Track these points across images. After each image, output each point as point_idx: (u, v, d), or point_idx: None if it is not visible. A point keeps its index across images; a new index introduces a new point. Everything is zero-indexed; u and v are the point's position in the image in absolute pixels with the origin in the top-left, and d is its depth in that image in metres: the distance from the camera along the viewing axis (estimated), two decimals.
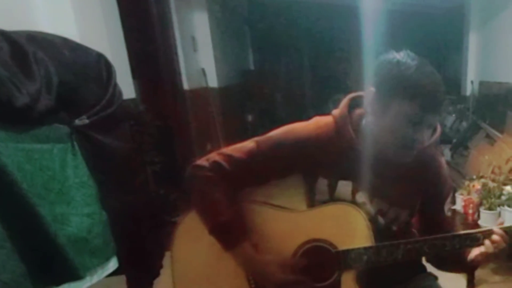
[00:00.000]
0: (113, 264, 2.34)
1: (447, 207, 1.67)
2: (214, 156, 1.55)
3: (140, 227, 2.71)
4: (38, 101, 1.80)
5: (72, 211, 2.06)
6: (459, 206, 3.21)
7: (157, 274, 2.96)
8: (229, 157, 1.53)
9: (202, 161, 1.54)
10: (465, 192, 3.23)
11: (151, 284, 2.92)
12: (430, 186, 1.63)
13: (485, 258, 1.52)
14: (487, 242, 1.50)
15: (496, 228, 1.52)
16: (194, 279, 1.59)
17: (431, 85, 1.38)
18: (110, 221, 2.29)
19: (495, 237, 1.49)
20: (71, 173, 2.05)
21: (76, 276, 2.06)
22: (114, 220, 2.32)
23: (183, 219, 1.58)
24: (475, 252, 1.54)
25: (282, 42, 7.70)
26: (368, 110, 1.49)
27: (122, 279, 2.63)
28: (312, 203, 1.59)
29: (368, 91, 1.46)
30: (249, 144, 1.55)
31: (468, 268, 1.66)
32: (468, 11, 5.38)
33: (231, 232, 1.49)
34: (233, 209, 1.50)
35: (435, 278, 1.79)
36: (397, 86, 1.39)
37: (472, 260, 1.55)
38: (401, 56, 1.42)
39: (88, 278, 2.15)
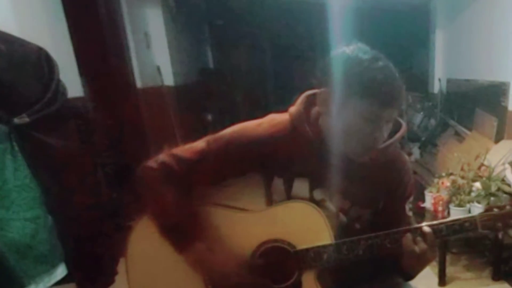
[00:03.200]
0: (61, 271, 2.26)
1: (408, 206, 1.61)
2: (163, 157, 1.49)
3: (90, 232, 2.61)
4: None
5: (13, 216, 1.99)
6: (428, 203, 3.22)
7: (111, 282, 2.87)
8: (177, 158, 1.47)
9: (151, 162, 1.49)
10: (434, 190, 3.24)
11: None
12: (393, 185, 1.58)
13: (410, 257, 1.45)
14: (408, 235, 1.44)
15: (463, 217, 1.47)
16: (151, 285, 1.55)
17: (385, 80, 1.33)
18: (57, 225, 2.21)
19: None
20: (10, 176, 1.97)
21: (19, 285, 2.00)
22: (61, 225, 2.23)
23: (137, 223, 1.53)
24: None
25: (243, 40, 7.63)
26: (322, 110, 1.45)
27: (72, 287, 2.51)
28: (269, 202, 1.53)
29: (321, 91, 1.42)
30: (199, 144, 1.50)
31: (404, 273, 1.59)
32: (434, 8, 5.38)
33: (181, 233, 1.44)
34: (184, 210, 1.46)
35: None
36: (350, 84, 1.34)
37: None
38: (351, 50, 1.37)
39: (33, 286, 2.08)
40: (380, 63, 1.35)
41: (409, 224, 1.58)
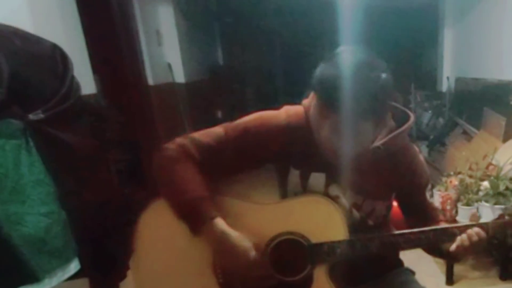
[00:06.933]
0: (74, 266, 2.26)
1: (428, 193, 1.64)
2: (180, 140, 1.48)
3: (103, 227, 2.63)
4: None
5: (28, 210, 1.99)
6: (436, 202, 3.21)
7: (123, 276, 2.88)
8: (195, 141, 1.46)
9: (169, 144, 1.48)
10: (442, 188, 3.24)
11: (117, 287, 2.83)
12: (407, 176, 1.58)
13: (463, 251, 1.48)
14: (463, 236, 1.46)
15: (479, 224, 1.49)
16: (158, 278, 1.54)
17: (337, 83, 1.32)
18: (70, 220, 2.21)
19: (470, 232, 1.46)
20: (25, 171, 1.98)
21: (34, 279, 2.00)
22: (75, 220, 2.24)
23: (142, 216, 1.52)
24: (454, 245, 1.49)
25: (252, 37, 7.62)
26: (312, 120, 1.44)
27: (85, 282, 2.53)
28: (284, 195, 1.54)
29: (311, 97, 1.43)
30: (217, 129, 1.49)
31: (450, 258, 1.63)
32: (443, 7, 5.37)
33: (200, 209, 1.40)
34: (202, 187, 1.42)
35: (412, 273, 1.75)
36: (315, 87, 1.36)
37: (452, 253, 1.50)
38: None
39: (47, 280, 2.08)
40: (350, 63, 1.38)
41: (433, 210, 1.67)
